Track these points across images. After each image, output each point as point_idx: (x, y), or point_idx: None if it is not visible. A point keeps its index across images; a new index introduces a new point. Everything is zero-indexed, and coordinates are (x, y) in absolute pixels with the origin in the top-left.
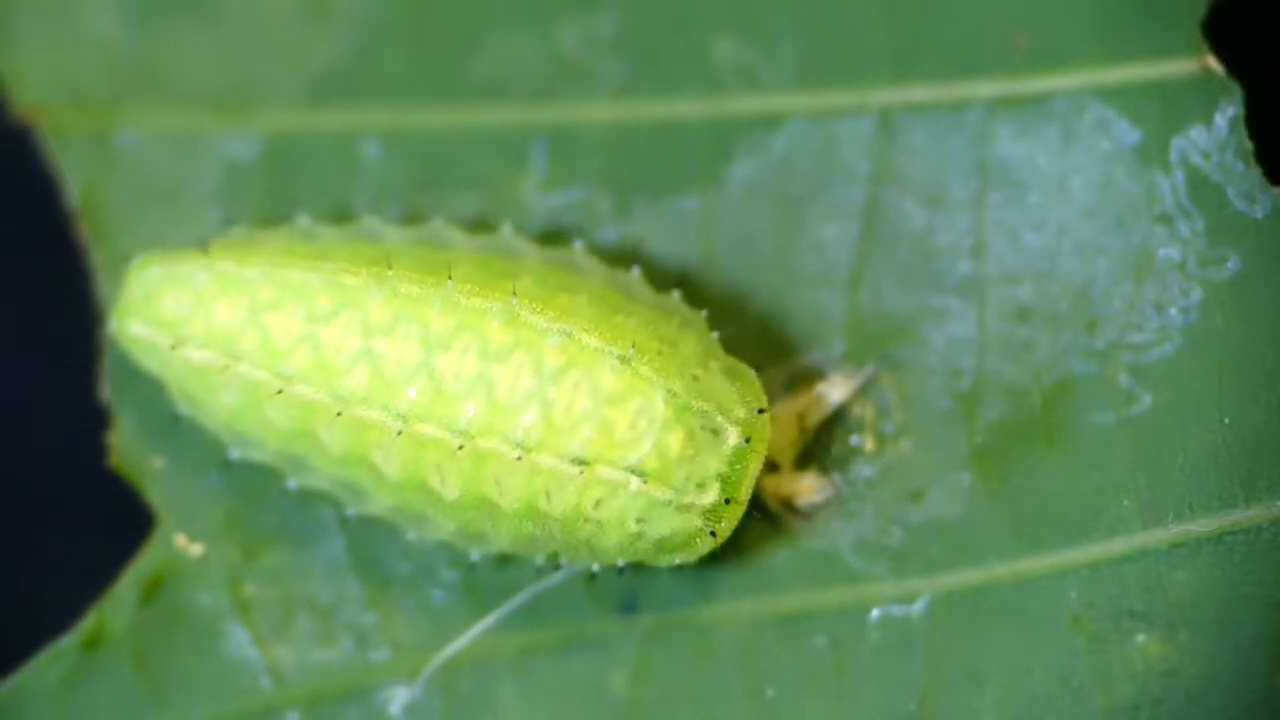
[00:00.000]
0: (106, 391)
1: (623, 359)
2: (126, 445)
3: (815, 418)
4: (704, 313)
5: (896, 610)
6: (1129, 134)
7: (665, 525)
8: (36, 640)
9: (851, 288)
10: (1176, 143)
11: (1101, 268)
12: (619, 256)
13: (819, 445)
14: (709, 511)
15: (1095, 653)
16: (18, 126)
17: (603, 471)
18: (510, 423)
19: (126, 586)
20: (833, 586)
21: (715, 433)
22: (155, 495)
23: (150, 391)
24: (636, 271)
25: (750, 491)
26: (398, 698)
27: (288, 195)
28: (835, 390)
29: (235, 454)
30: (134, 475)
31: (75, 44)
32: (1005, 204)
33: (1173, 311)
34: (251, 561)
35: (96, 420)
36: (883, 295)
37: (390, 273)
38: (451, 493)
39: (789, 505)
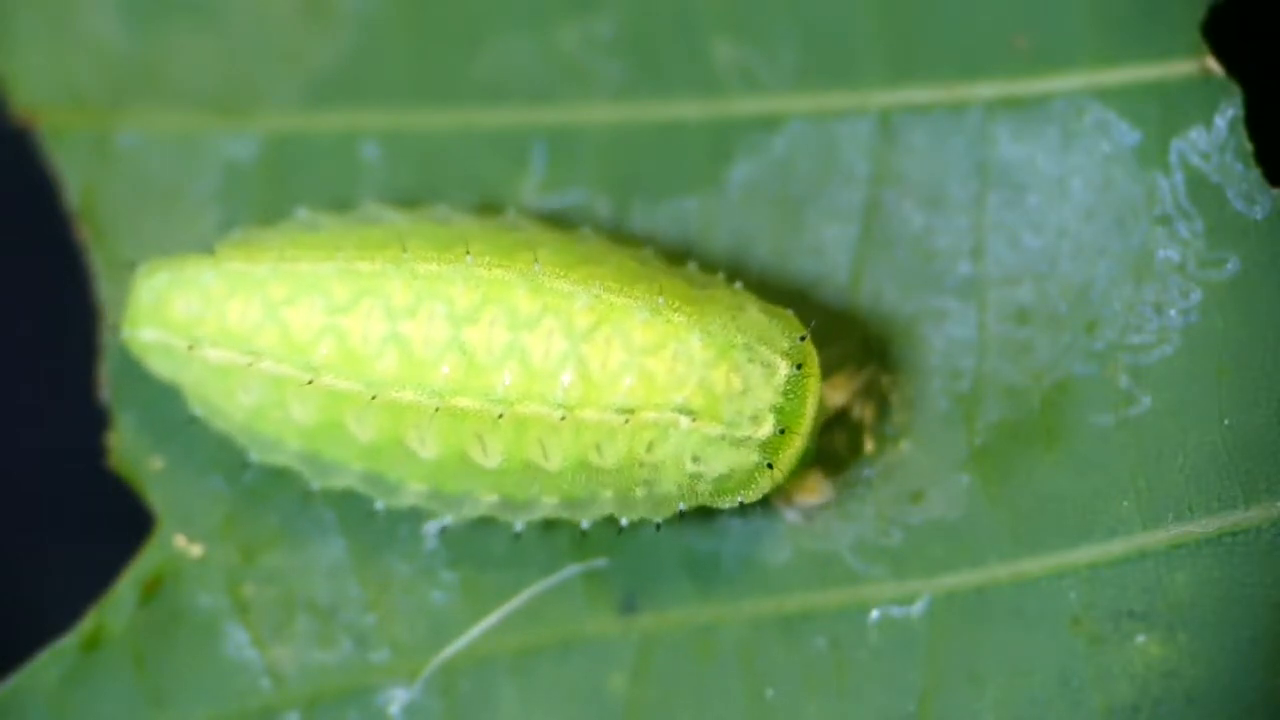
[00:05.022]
0: (106, 392)
1: (653, 310)
2: (126, 446)
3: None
4: (720, 274)
5: (896, 611)
6: (1129, 135)
7: (722, 462)
8: (36, 640)
9: (851, 289)
10: (1176, 144)
11: (1101, 269)
12: None
13: (818, 447)
14: (765, 445)
15: (1095, 654)
16: (18, 127)
17: (649, 415)
18: (549, 385)
19: (126, 587)
20: (833, 587)
21: (765, 365)
22: (155, 496)
23: (151, 392)
24: (650, 252)
25: (811, 422)
26: (397, 699)
27: (287, 197)
28: (835, 391)
29: (254, 457)
30: (133, 476)
31: (75, 45)
32: (1005, 205)
33: (1172, 313)
34: (251, 562)
35: (97, 420)
36: (882, 296)
37: (406, 254)
38: (493, 461)
39: (791, 505)
